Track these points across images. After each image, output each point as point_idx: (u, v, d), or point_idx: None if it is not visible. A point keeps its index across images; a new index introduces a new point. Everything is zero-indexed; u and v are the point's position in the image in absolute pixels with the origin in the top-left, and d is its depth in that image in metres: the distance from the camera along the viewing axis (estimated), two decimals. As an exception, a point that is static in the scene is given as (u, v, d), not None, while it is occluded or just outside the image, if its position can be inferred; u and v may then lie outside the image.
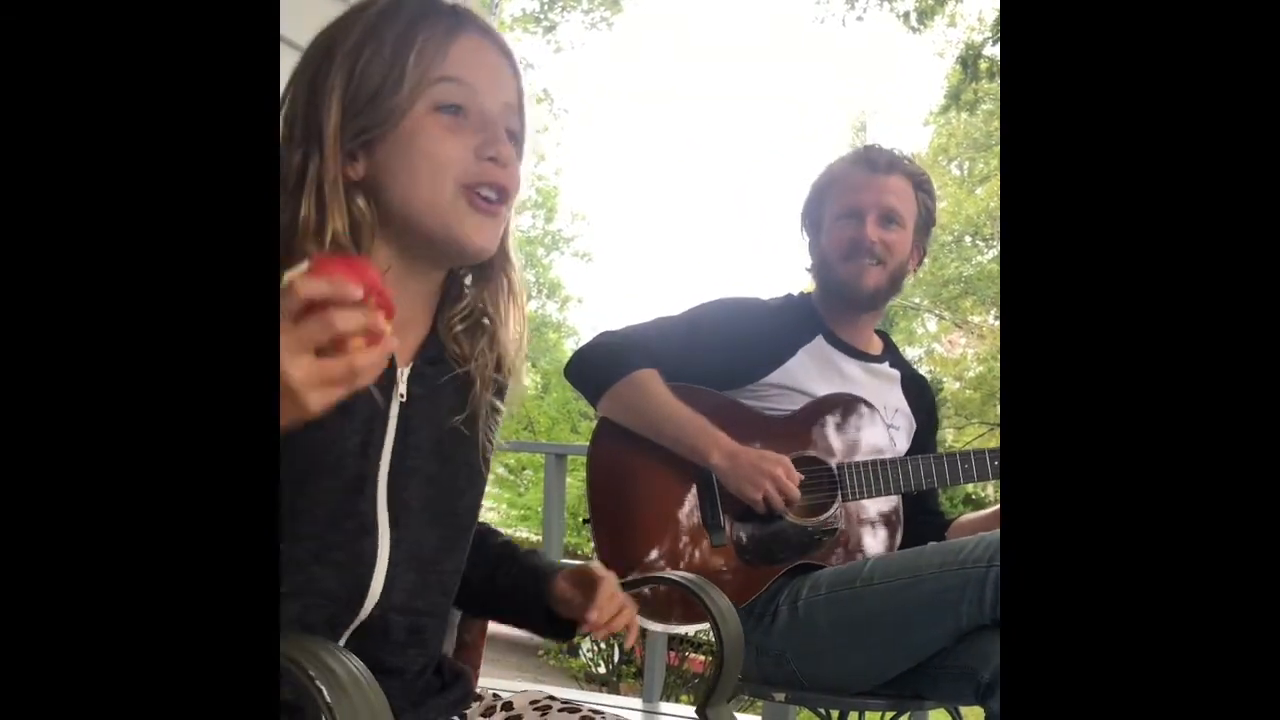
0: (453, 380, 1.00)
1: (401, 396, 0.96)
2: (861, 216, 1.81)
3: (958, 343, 15.66)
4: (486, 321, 1.02)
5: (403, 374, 0.97)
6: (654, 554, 1.71)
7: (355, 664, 0.70)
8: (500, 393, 1.05)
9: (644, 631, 1.71)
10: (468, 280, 1.03)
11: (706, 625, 1.87)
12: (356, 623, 0.93)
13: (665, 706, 3.31)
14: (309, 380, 0.69)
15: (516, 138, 0.98)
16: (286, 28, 0.79)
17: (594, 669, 6.85)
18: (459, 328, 1.01)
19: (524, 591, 1.13)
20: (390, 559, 0.94)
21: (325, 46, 0.94)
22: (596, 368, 1.78)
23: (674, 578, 1.25)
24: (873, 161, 1.84)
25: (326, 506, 0.91)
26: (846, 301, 1.85)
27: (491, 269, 1.02)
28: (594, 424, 1.82)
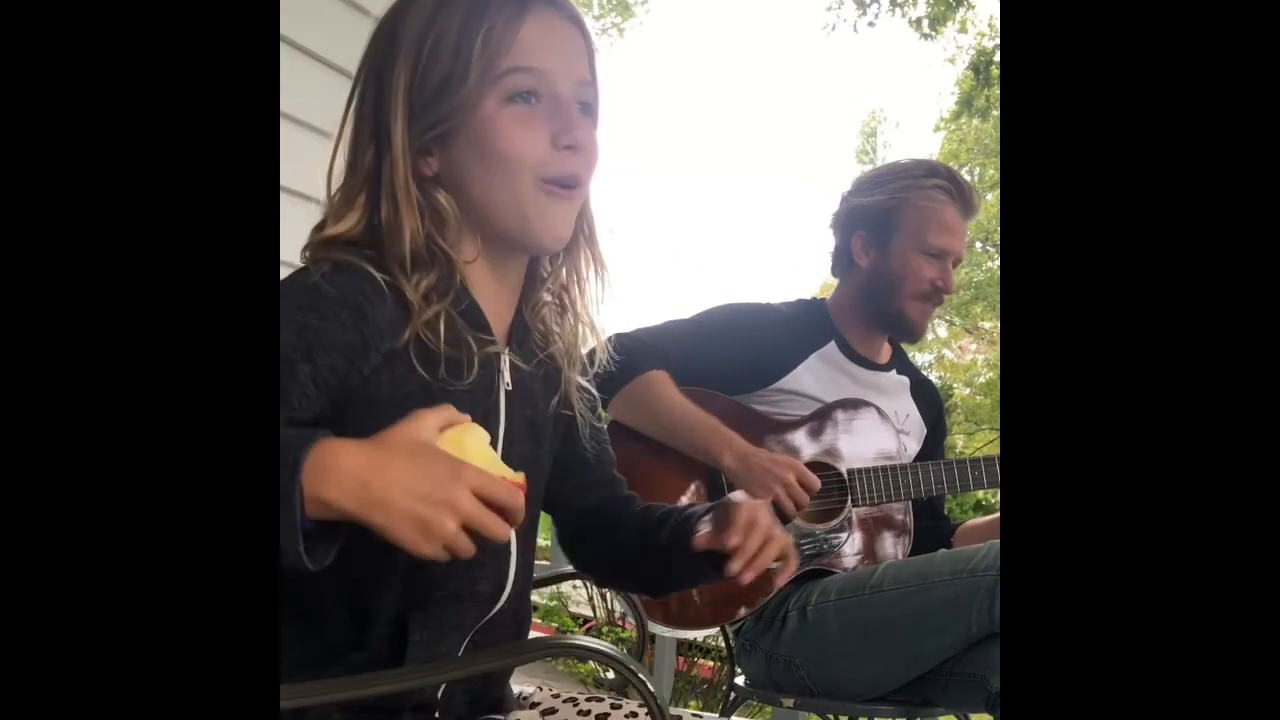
0: (541, 363, 0.99)
1: (507, 386, 0.95)
2: (946, 260, 1.78)
3: (968, 349, 15.62)
4: (568, 299, 1.01)
5: (505, 362, 0.96)
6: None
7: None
8: (586, 371, 1.05)
9: (652, 636, 1.70)
10: (550, 261, 1.01)
11: (716, 631, 1.86)
12: (486, 619, 0.93)
13: (674, 711, 3.29)
14: (467, 517, 0.72)
15: (590, 110, 0.95)
16: (287, 28, 0.79)
17: (603, 673, 6.84)
18: (543, 310, 1.00)
19: (680, 548, 1.01)
20: (516, 549, 0.94)
21: (389, 35, 0.90)
22: (608, 370, 1.76)
23: (596, 648, 0.89)
24: (968, 202, 1.79)
25: None
26: (894, 331, 1.84)
27: (574, 245, 0.99)
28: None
